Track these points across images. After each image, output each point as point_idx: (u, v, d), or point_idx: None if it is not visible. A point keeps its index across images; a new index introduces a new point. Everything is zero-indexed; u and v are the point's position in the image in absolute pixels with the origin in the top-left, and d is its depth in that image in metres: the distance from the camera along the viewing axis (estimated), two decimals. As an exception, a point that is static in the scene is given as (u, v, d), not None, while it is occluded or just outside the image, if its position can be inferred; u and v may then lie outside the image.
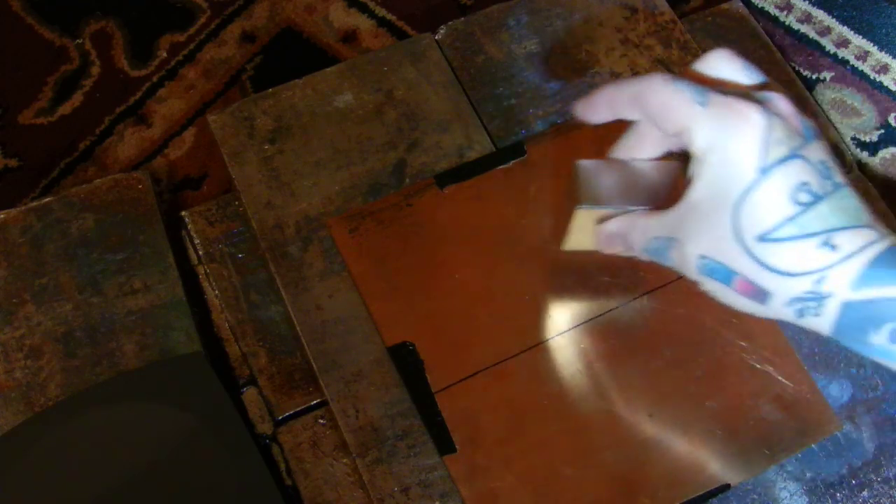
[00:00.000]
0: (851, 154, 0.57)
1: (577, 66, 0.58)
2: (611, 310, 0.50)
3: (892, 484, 0.48)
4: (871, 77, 0.60)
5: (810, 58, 0.61)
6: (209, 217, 0.54)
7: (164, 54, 0.64)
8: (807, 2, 0.62)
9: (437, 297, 0.50)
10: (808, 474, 0.48)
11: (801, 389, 0.49)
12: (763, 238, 0.35)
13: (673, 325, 0.50)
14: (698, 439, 0.48)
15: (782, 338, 0.50)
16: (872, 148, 0.58)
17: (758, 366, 0.49)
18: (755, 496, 0.48)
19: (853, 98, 0.59)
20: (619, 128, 0.42)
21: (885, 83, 0.60)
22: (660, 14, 0.59)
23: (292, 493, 0.48)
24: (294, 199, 0.53)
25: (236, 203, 0.55)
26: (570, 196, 0.43)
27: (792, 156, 0.35)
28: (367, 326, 0.50)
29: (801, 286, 0.35)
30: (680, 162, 0.42)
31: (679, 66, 0.57)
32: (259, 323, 0.52)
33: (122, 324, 0.51)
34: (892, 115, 0.59)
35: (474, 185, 0.53)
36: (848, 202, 0.35)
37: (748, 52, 0.59)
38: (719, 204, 0.36)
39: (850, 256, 0.34)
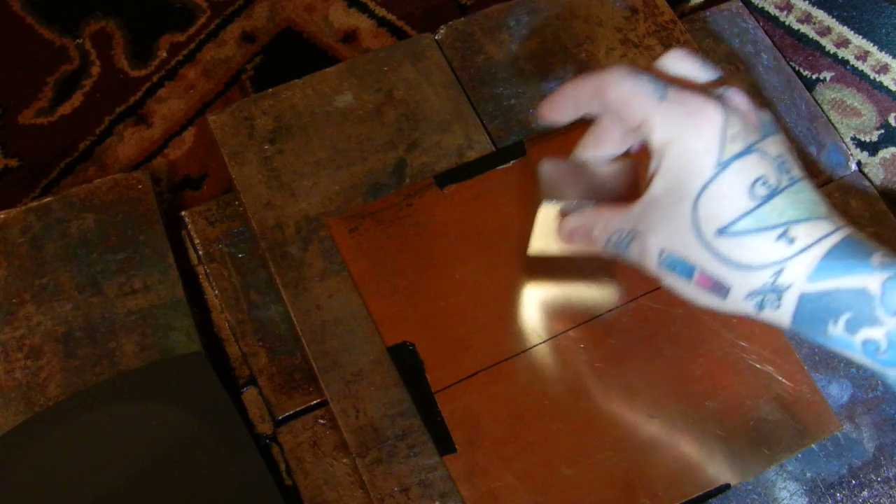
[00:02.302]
0: (851, 154, 0.57)
1: (577, 67, 0.58)
2: (611, 310, 0.50)
3: (892, 484, 0.48)
4: (871, 77, 0.60)
5: (810, 58, 0.61)
6: (209, 217, 0.54)
7: (164, 54, 0.64)
8: (807, 2, 0.62)
9: (437, 297, 0.50)
10: (808, 474, 0.48)
11: (801, 389, 0.49)
12: (722, 232, 0.35)
13: (673, 325, 0.50)
14: (698, 439, 0.48)
15: (782, 338, 0.50)
16: (872, 148, 0.58)
17: (758, 366, 0.49)
18: (755, 496, 0.48)
19: (853, 98, 0.59)
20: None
21: (885, 83, 0.60)
22: (660, 14, 0.59)
23: (292, 493, 0.48)
24: (294, 199, 0.53)
25: (236, 203, 0.55)
26: (534, 196, 0.43)
27: (749, 150, 0.35)
28: (367, 326, 0.50)
29: (759, 279, 0.35)
30: (639, 161, 0.42)
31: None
32: (259, 323, 0.52)
33: (122, 324, 0.51)
34: (892, 115, 0.59)
35: (474, 185, 0.53)
36: (805, 195, 0.36)
37: (748, 52, 0.59)
38: (679, 198, 0.36)
39: (806, 248, 0.35)
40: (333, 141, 0.55)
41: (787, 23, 0.62)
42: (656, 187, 0.37)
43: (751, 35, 0.60)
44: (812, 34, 0.62)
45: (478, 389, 0.48)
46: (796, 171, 0.36)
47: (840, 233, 0.35)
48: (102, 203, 0.54)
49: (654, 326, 0.50)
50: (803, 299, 0.35)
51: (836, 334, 0.35)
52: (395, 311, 0.50)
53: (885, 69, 0.60)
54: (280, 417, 0.50)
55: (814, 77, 0.60)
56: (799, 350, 0.50)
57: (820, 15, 0.62)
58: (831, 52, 0.61)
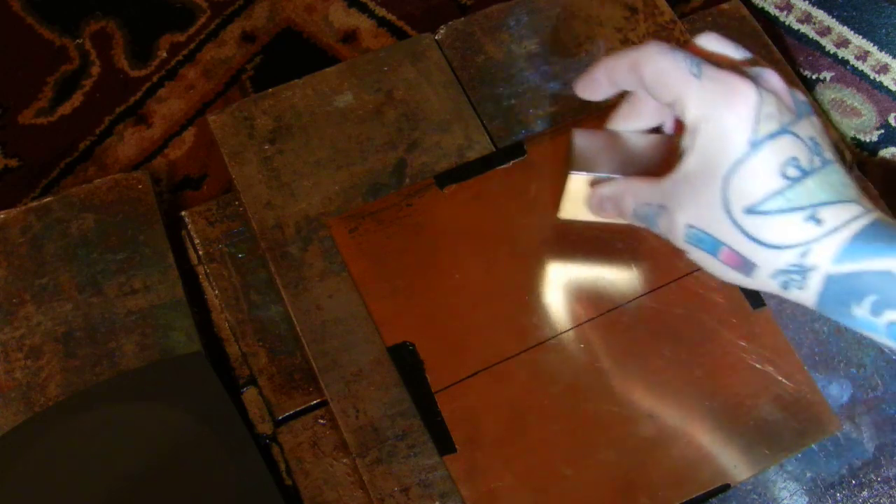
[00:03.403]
0: (851, 154, 0.57)
1: (576, 67, 0.58)
2: (611, 310, 0.50)
3: (892, 484, 0.48)
4: (871, 77, 0.60)
5: (810, 58, 0.61)
6: (209, 217, 0.54)
7: (164, 54, 0.64)
8: (807, 2, 0.62)
9: (437, 297, 0.50)
10: (808, 474, 0.48)
11: (801, 389, 0.49)
12: (750, 210, 0.36)
13: (673, 325, 0.50)
14: (698, 439, 0.48)
15: (782, 338, 0.50)
16: (872, 148, 0.58)
17: (758, 366, 0.49)
18: (755, 496, 0.48)
19: (853, 98, 0.59)
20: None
21: (885, 83, 0.60)
22: (660, 14, 0.59)
23: (292, 493, 0.48)
24: (294, 199, 0.53)
25: (236, 203, 0.55)
26: (566, 163, 0.44)
27: (782, 131, 0.36)
28: (367, 326, 0.50)
29: (785, 259, 0.36)
30: (671, 135, 0.43)
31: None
32: (259, 323, 0.52)
33: (122, 324, 0.51)
34: (892, 115, 0.59)
35: (474, 185, 0.53)
36: (835, 178, 0.36)
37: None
38: (710, 175, 0.36)
39: (834, 230, 0.35)
40: (333, 141, 0.55)
41: (787, 23, 0.62)
42: (688, 164, 0.37)
43: (751, 35, 0.60)
44: (812, 34, 0.62)
45: (478, 389, 0.48)
46: (828, 154, 0.37)
47: (868, 216, 0.35)
48: (102, 203, 0.54)
49: (655, 326, 0.50)
50: (829, 280, 0.35)
51: (861, 316, 0.35)
52: (395, 311, 0.50)
53: (885, 69, 0.60)
54: (280, 417, 0.50)
55: (814, 77, 0.60)
56: (799, 350, 0.50)
57: (820, 15, 0.62)
58: (831, 52, 0.61)
